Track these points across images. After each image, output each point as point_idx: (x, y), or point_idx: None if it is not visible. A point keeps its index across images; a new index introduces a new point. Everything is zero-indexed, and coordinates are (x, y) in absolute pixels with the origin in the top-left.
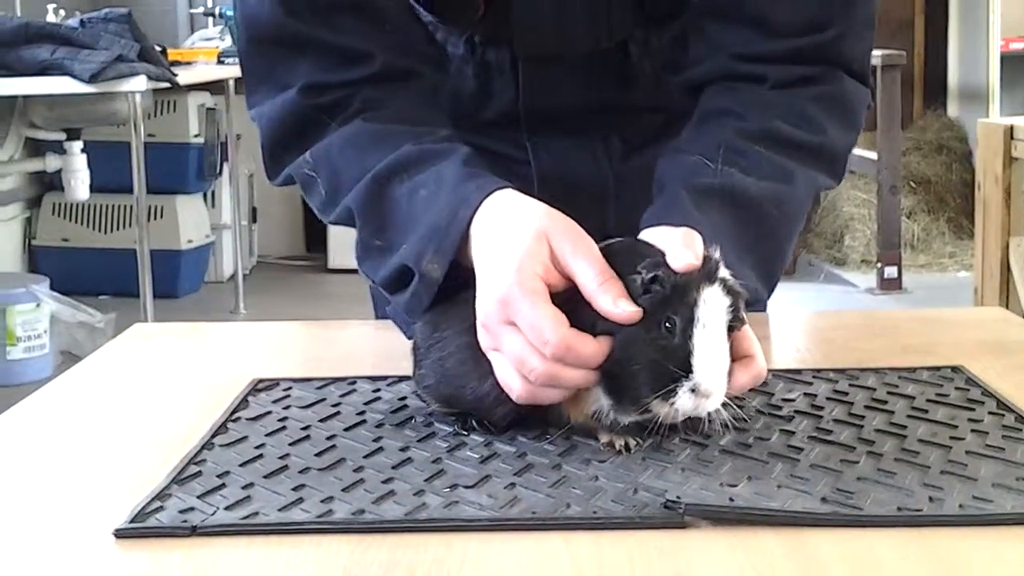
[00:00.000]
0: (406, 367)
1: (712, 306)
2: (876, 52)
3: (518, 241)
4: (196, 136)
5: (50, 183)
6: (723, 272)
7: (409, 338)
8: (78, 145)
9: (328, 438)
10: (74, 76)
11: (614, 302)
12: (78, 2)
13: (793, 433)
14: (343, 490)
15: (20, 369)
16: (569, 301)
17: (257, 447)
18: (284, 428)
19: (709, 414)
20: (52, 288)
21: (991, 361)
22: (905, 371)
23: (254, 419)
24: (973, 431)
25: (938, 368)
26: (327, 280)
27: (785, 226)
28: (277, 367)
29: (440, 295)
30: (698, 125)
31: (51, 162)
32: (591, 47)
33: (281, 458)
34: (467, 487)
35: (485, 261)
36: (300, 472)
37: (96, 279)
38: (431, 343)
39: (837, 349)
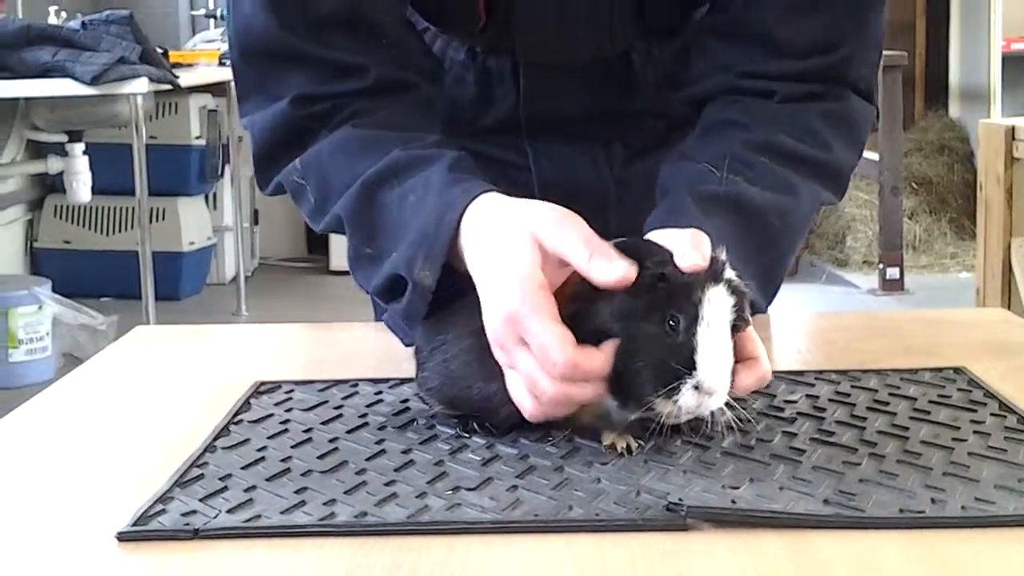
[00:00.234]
0: (408, 369)
1: (717, 305)
2: None
3: (510, 248)
4: (198, 138)
5: (52, 185)
6: (729, 273)
7: (407, 345)
8: (80, 147)
9: (330, 440)
10: (76, 78)
11: (607, 270)
12: (80, 4)
13: (795, 435)
14: (345, 493)
15: (22, 371)
16: (575, 299)
17: (259, 450)
18: (286, 430)
19: (712, 414)
20: (54, 290)
21: (993, 362)
22: (907, 372)
23: (256, 421)
24: (975, 432)
25: (940, 369)
26: (329, 282)
27: (787, 238)
28: (279, 369)
29: (438, 300)
30: (703, 135)
31: (53, 164)
32: (593, 55)
33: (283, 461)
34: (469, 489)
35: (482, 271)
36: (302, 475)
37: (98, 281)
38: (435, 346)
39: (839, 350)
